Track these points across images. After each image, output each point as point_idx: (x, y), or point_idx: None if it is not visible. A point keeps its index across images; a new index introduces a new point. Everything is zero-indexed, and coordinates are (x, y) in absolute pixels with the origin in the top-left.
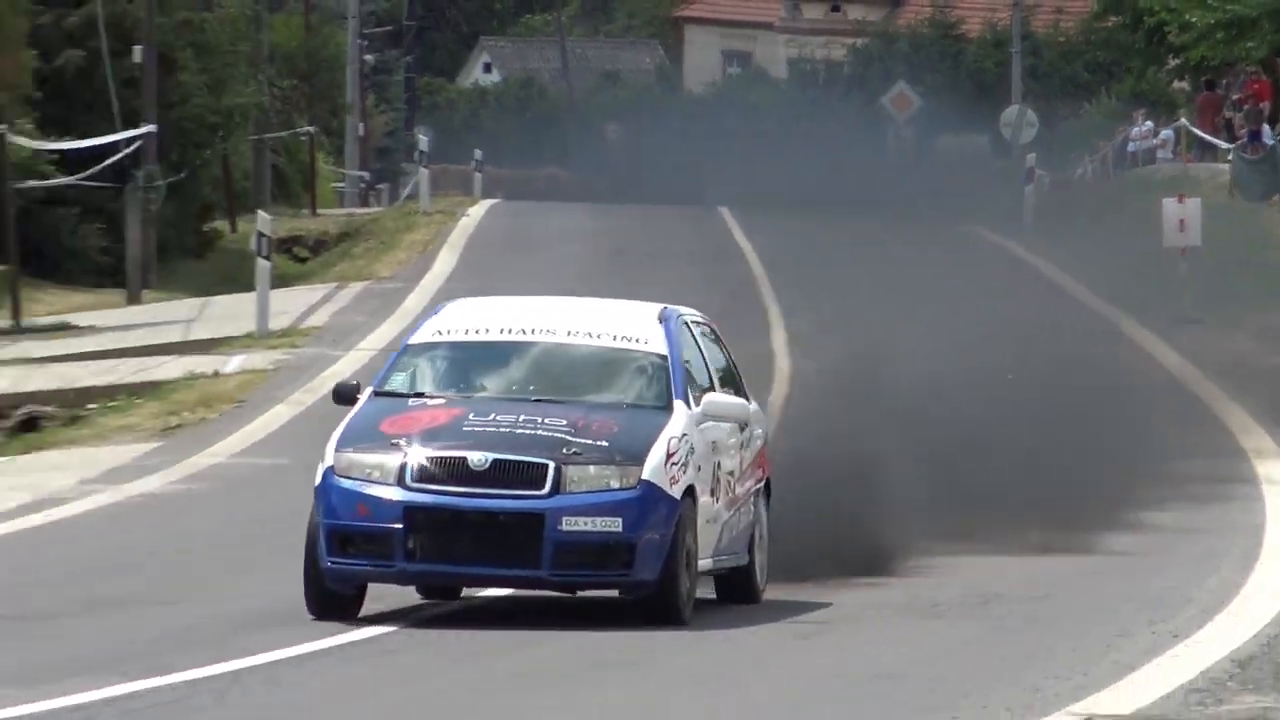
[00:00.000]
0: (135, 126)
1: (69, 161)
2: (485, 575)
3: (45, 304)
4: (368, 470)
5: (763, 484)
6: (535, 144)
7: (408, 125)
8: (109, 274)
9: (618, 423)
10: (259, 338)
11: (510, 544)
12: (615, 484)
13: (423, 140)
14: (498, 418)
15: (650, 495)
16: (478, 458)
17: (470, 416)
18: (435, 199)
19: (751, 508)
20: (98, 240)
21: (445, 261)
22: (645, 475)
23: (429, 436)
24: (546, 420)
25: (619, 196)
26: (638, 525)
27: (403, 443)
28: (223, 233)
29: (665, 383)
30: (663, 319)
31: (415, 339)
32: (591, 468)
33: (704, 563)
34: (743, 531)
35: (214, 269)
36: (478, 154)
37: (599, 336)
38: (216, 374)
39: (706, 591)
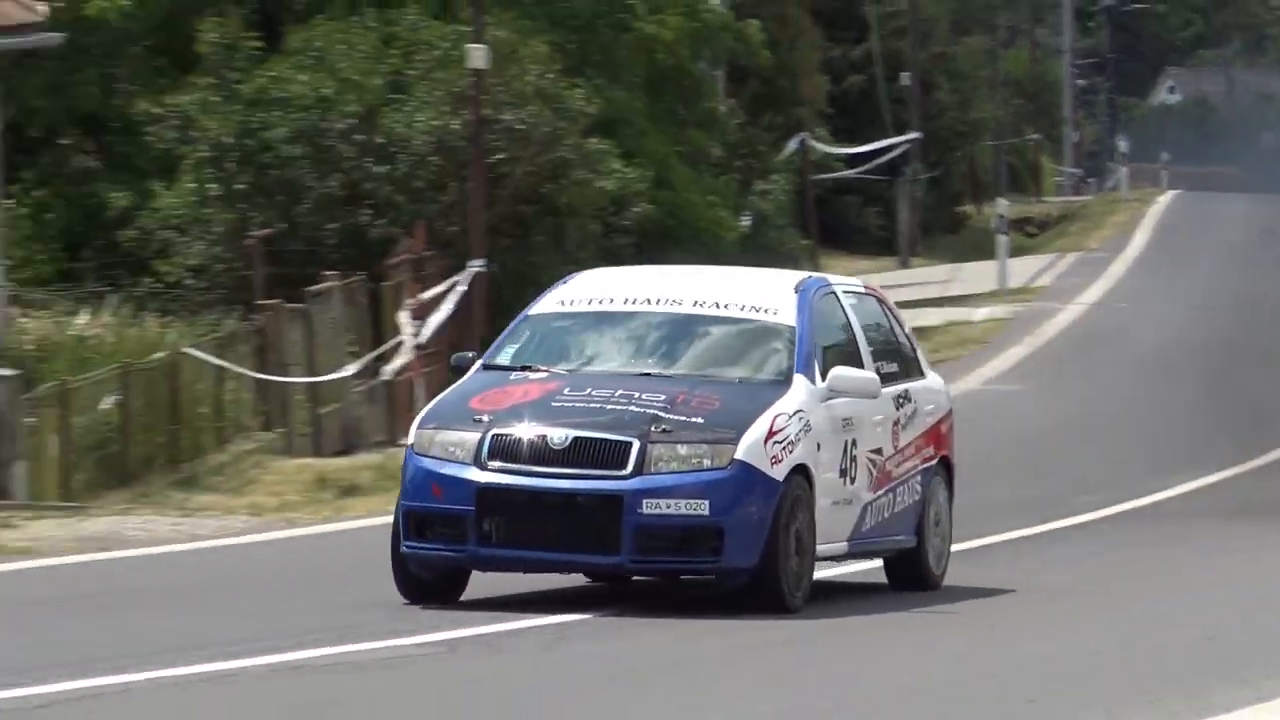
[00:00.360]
0: (903, 134)
1: (853, 160)
2: (562, 562)
3: (837, 268)
4: (449, 448)
5: (935, 463)
6: (1208, 149)
7: (1110, 134)
8: (884, 245)
9: (721, 398)
10: (1000, 294)
11: (588, 528)
12: (706, 464)
13: (1122, 145)
14: (593, 393)
15: (744, 476)
16: (558, 436)
17: (565, 391)
18: (1132, 190)
19: (918, 488)
20: (875, 220)
21: (1140, 237)
22: (739, 455)
23: (514, 413)
24: (644, 395)
25: (1272, 189)
26: (728, 508)
27: (485, 419)
28: (970, 215)
29: (788, 356)
30: (799, 289)
31: (536, 309)
32: (681, 446)
33: (833, 547)
34: (902, 513)
35: (964, 243)
36: (1164, 156)
37: (726, 307)
38: (968, 321)
39: (880, 576)
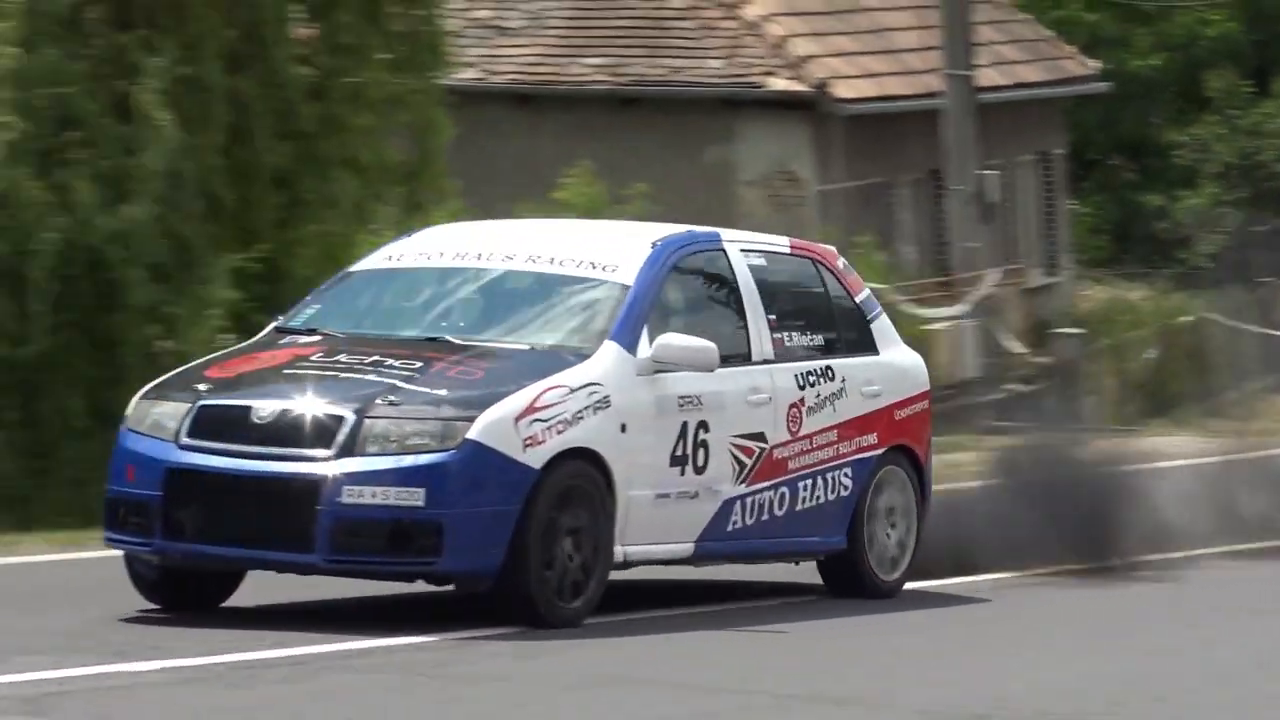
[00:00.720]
0: None
1: None
2: (255, 560)
3: None
4: (162, 422)
5: (880, 453)
6: None
7: None
8: None
9: (492, 367)
10: None
11: (282, 520)
12: (432, 444)
13: None
14: (342, 358)
15: (476, 460)
16: (264, 408)
17: (313, 357)
18: None
19: (848, 481)
20: None
21: None
22: (472, 434)
23: (237, 382)
24: (397, 363)
25: None
26: (450, 499)
27: (203, 388)
28: None
29: (609, 320)
30: (658, 244)
31: (359, 265)
32: (408, 423)
33: (669, 549)
34: (816, 511)
35: None
36: None
37: (562, 264)
38: None
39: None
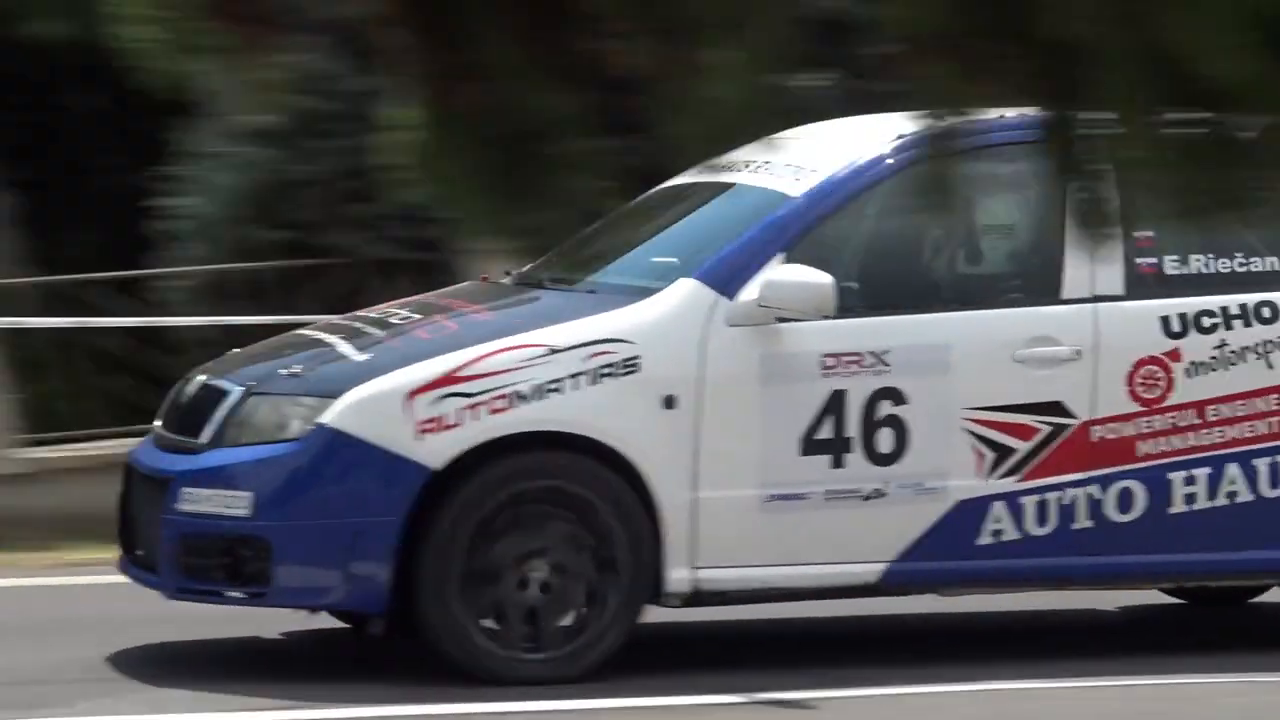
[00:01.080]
0: None
1: None
2: (145, 583)
3: None
4: None
5: None
6: None
7: None
8: None
9: (484, 320)
10: None
11: (148, 532)
12: (293, 431)
13: None
14: (380, 312)
15: (327, 452)
16: (192, 381)
17: (373, 313)
18: None
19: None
20: None
21: None
22: (326, 418)
23: (258, 347)
24: (397, 319)
25: None
26: (278, 506)
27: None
28: None
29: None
30: (904, 138)
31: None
32: (280, 402)
33: (823, 571)
34: (1237, 512)
35: None
36: None
37: (773, 172)
38: None
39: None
